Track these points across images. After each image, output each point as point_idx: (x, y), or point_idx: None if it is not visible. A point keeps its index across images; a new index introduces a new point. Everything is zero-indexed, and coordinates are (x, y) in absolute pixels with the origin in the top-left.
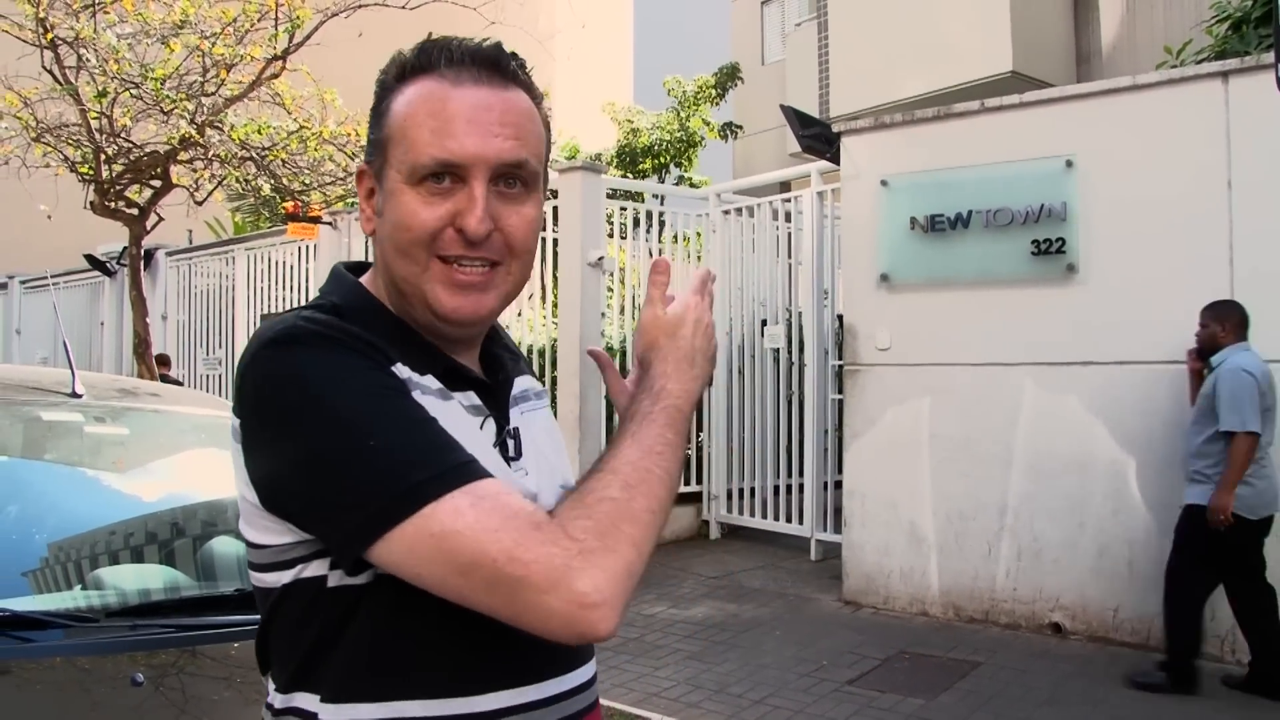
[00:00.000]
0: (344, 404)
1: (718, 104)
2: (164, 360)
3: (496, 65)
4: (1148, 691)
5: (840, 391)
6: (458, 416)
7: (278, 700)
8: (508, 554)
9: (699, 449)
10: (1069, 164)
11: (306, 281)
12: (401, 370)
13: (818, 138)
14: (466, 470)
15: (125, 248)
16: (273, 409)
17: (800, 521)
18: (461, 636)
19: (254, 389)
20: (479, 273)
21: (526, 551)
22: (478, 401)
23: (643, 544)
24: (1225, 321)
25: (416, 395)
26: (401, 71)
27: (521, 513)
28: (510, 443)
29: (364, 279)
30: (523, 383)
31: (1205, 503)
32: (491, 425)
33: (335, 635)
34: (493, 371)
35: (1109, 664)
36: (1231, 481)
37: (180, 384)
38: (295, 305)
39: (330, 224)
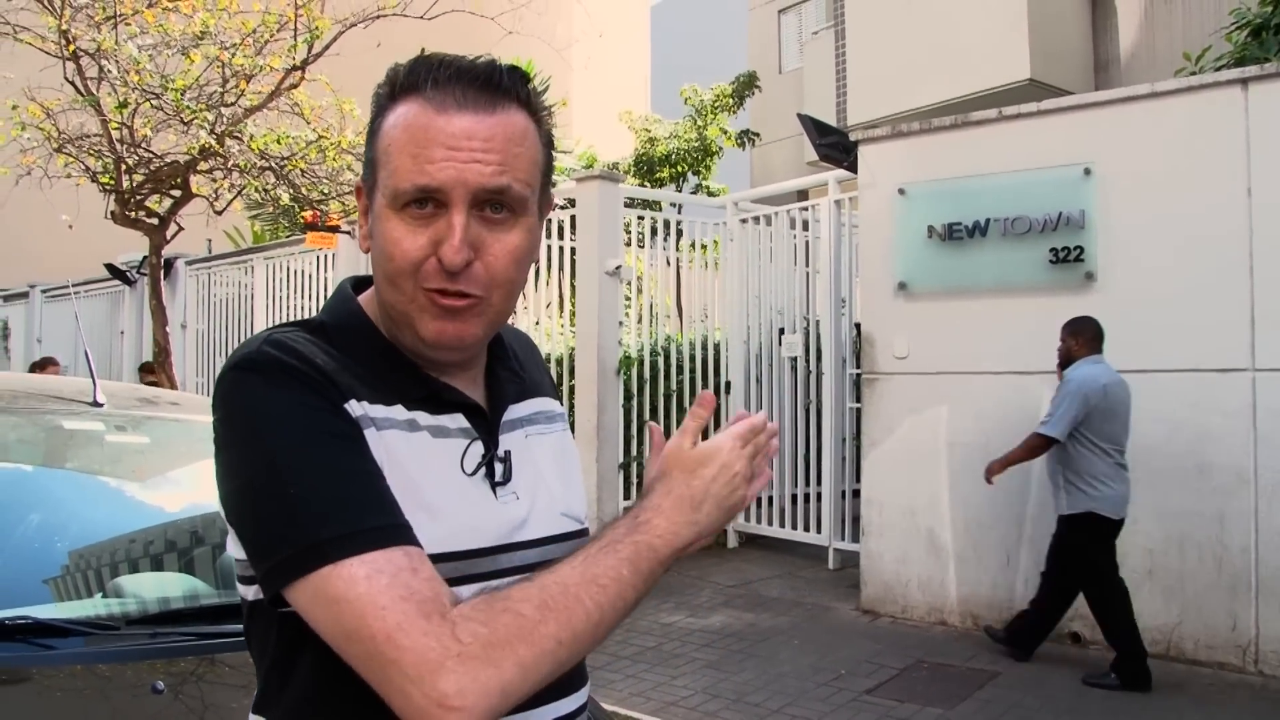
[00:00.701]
0: (279, 444)
1: (735, 113)
2: (149, 368)
3: (487, 84)
4: (1103, 689)
5: (858, 400)
6: (424, 447)
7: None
8: (387, 634)
9: None
10: (1087, 172)
11: (325, 291)
12: (357, 407)
13: (835, 146)
14: (375, 536)
15: (145, 257)
16: (223, 434)
17: (818, 530)
18: None
19: (217, 410)
20: (460, 301)
21: (405, 637)
22: (466, 424)
23: (533, 668)
24: (1079, 336)
25: (373, 433)
26: (392, 89)
27: (416, 595)
28: (499, 466)
29: (364, 296)
30: (532, 405)
31: (1075, 510)
32: (478, 449)
33: (288, 664)
34: (492, 392)
35: None
36: (1009, 460)
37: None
38: (312, 314)
39: (349, 233)
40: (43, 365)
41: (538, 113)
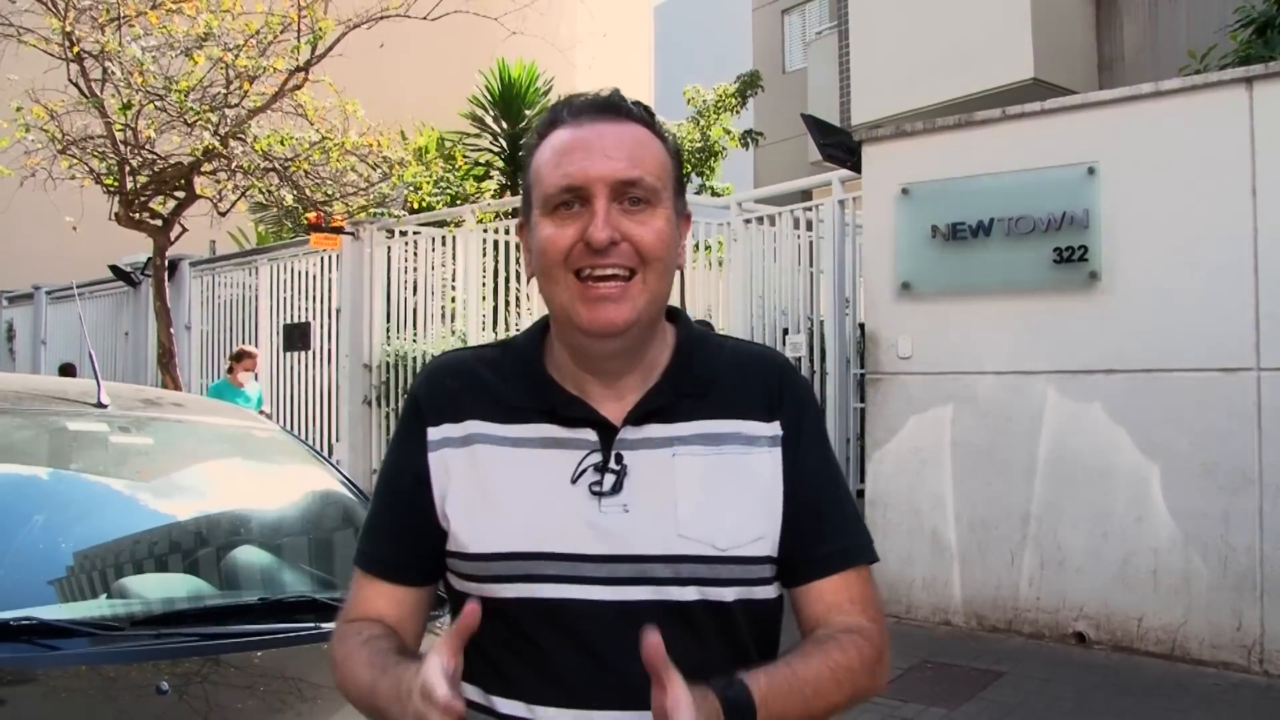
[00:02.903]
0: (382, 469)
1: (738, 113)
2: (69, 370)
3: (611, 106)
4: None
5: (862, 400)
6: (521, 458)
7: None
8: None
9: None
10: (1091, 171)
11: (329, 291)
12: (448, 429)
13: (838, 146)
14: (359, 556)
15: (149, 258)
16: None
17: None
18: (499, 648)
19: None
20: (613, 286)
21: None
22: (594, 438)
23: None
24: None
25: (448, 451)
26: (538, 135)
27: (345, 605)
28: (611, 479)
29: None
30: (700, 425)
31: None
32: (593, 459)
33: None
34: (643, 406)
35: (1133, 674)
36: None
37: None
38: (316, 316)
39: (352, 234)
40: (239, 358)
41: (659, 132)
